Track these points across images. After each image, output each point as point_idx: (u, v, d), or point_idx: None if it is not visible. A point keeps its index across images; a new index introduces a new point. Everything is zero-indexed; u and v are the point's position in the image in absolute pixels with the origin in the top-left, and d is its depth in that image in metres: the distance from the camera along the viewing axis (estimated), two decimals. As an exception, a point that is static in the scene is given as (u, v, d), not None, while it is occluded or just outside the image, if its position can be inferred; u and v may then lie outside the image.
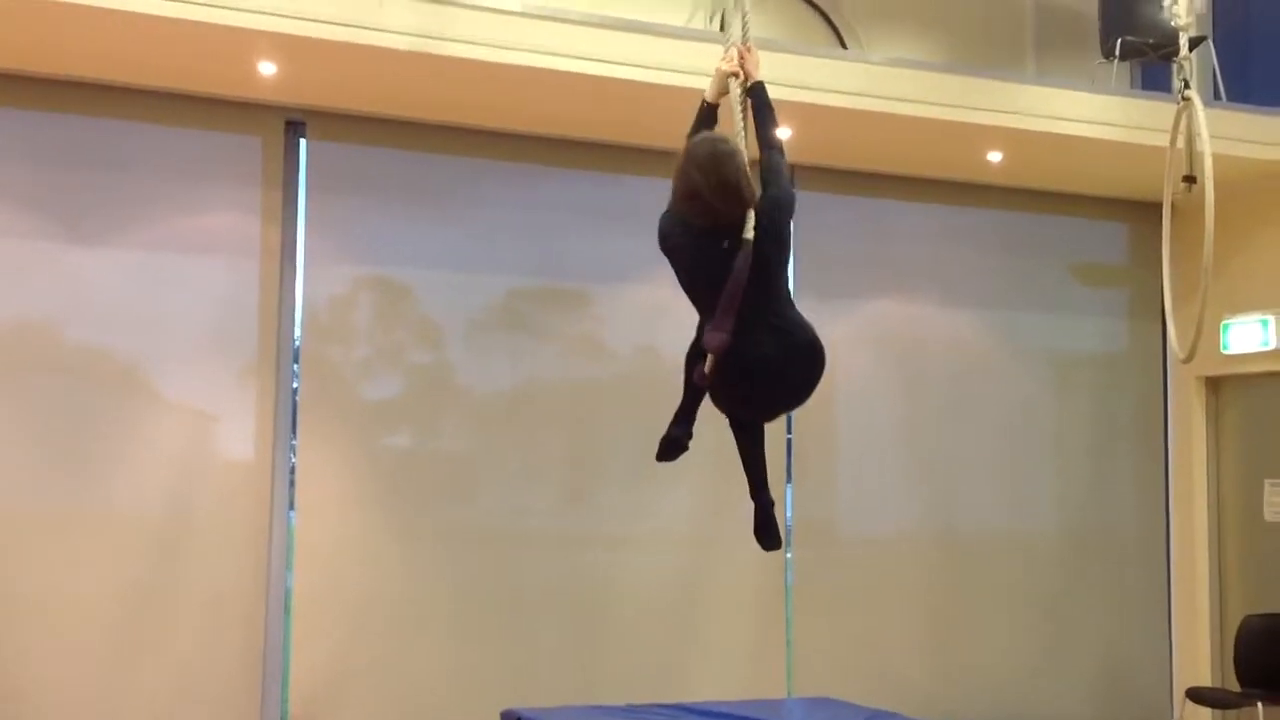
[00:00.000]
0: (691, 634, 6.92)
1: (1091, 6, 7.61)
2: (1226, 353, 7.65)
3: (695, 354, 3.63)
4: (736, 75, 3.80)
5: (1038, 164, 7.25)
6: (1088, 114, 6.66)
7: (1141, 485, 8.06)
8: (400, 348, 6.67)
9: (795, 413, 5.77)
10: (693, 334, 3.67)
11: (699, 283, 3.53)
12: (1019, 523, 7.75)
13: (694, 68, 5.54)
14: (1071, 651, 7.74)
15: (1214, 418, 7.97)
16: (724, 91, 3.83)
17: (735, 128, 3.76)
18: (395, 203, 6.58)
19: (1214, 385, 7.96)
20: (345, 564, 6.35)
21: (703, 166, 3.40)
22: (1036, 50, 7.81)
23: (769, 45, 4.90)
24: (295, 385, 6.40)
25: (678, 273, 3.58)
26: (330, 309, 6.48)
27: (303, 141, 6.42)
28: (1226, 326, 7.61)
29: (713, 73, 3.88)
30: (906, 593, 7.41)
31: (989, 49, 7.65)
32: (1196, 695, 7.39)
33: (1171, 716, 7.84)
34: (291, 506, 6.31)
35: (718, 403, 3.61)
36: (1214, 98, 7.25)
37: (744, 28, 3.88)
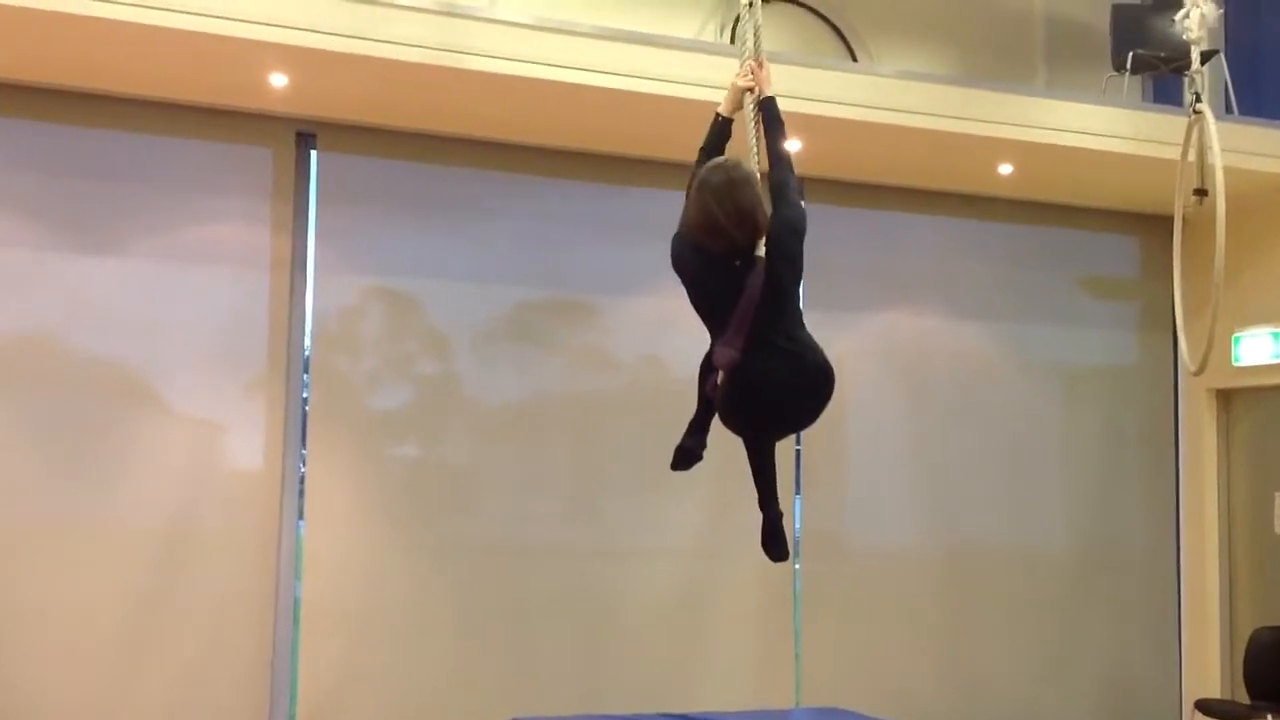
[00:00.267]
0: (698, 645, 6.91)
1: (1102, 19, 7.61)
2: (1237, 365, 7.64)
3: (708, 367, 3.63)
4: (751, 90, 3.81)
5: (1048, 177, 7.24)
6: (1098, 127, 6.64)
7: (1152, 497, 8.05)
8: (409, 358, 6.68)
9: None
10: (701, 346, 3.67)
11: (711, 302, 3.53)
12: (1028, 535, 7.73)
13: (703, 80, 5.56)
14: (1080, 663, 7.72)
15: (1225, 430, 7.95)
16: (739, 106, 3.85)
17: (749, 143, 3.77)
18: (405, 214, 6.60)
19: (1225, 398, 7.95)
20: (354, 573, 6.36)
21: (718, 194, 3.41)
22: (1047, 63, 7.81)
23: (779, 58, 4.89)
24: (305, 395, 6.41)
25: (689, 291, 3.58)
26: (340, 319, 6.50)
27: (313, 153, 6.44)
28: (1237, 339, 7.59)
29: (724, 86, 3.91)
30: (914, 604, 7.40)
31: (999, 61, 7.64)
32: (1205, 707, 7.36)
33: (1181, 730, 7.83)
34: (301, 516, 6.32)
35: (726, 421, 3.61)
36: (1225, 111, 7.26)
37: (756, 41, 3.89)
